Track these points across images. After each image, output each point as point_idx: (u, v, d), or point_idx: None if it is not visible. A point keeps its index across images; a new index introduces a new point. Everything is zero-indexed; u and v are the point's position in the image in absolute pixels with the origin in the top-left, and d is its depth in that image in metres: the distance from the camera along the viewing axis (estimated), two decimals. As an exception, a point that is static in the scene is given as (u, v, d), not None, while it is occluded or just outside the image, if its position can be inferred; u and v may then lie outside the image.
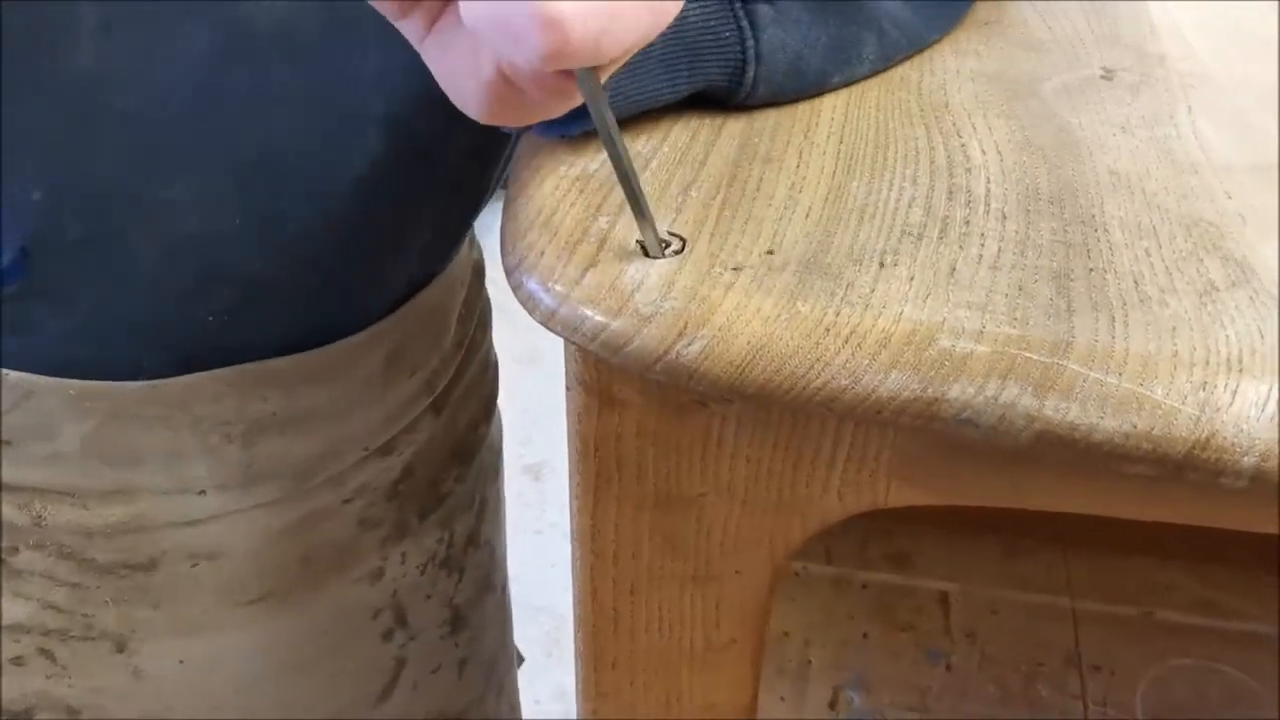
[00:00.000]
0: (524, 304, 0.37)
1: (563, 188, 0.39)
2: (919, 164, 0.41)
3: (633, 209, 0.35)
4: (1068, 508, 0.36)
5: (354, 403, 0.52)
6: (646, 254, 0.36)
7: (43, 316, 0.44)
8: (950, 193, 0.39)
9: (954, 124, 0.44)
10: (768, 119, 0.44)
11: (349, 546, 0.56)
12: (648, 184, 0.39)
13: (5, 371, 0.45)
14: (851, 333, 0.33)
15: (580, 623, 0.45)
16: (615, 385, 0.38)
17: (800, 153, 0.42)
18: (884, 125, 0.43)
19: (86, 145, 0.41)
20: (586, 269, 0.36)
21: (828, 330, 0.33)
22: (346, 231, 0.47)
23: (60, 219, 0.42)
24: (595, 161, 0.41)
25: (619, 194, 0.39)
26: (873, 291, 0.34)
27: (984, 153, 0.42)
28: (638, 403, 0.39)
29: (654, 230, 0.35)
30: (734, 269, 0.35)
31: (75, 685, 0.52)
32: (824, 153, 0.42)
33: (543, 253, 0.37)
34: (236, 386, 0.48)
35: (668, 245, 0.36)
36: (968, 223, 0.38)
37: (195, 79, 0.41)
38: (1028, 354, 0.32)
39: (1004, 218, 0.38)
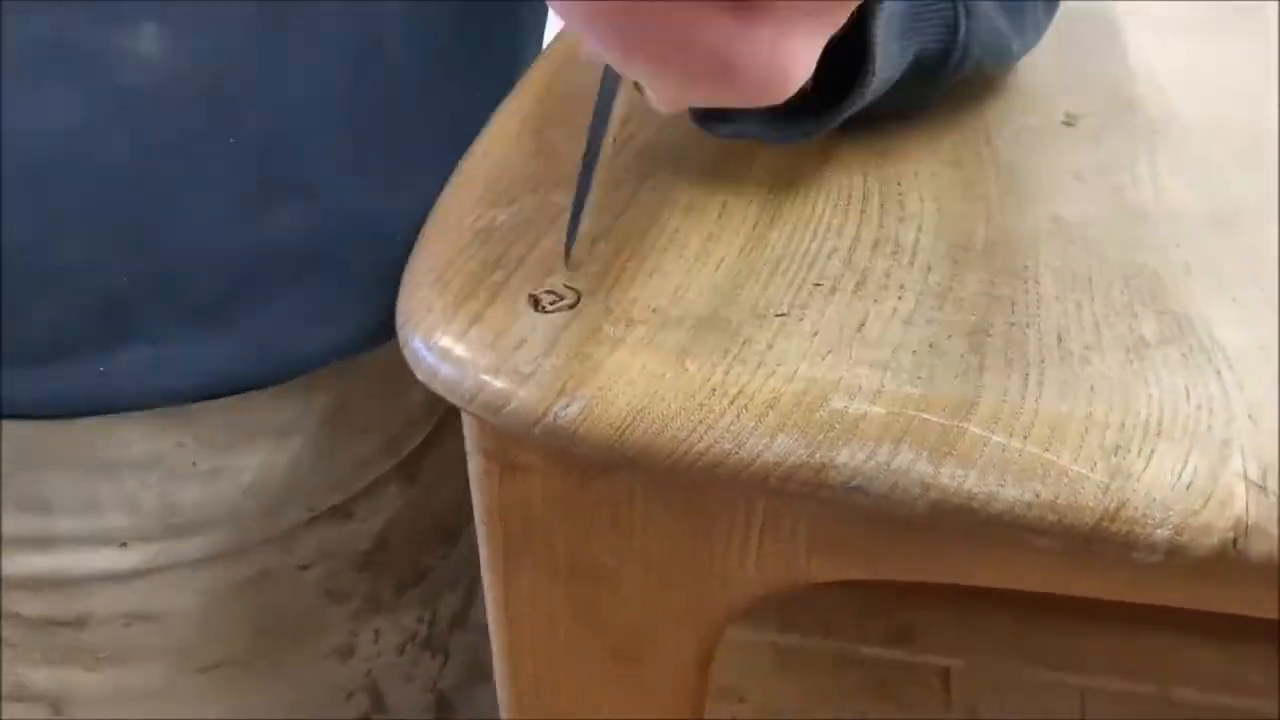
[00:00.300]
0: (410, 364, 0.35)
1: (463, 240, 0.38)
2: (848, 214, 0.38)
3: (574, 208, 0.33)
4: (984, 581, 0.33)
5: (287, 458, 0.50)
6: (539, 308, 0.34)
7: None
8: (876, 244, 0.37)
9: (895, 172, 0.41)
10: (699, 169, 0.41)
11: (312, 617, 0.54)
12: (555, 238, 0.37)
13: None
14: (739, 393, 0.30)
15: (503, 706, 0.42)
16: (515, 451, 0.36)
17: (724, 203, 0.39)
18: (818, 174, 0.41)
19: None
20: (471, 324, 0.34)
21: (714, 390, 0.30)
22: (257, 292, 0.46)
23: None
24: (505, 213, 0.39)
25: (519, 248, 0.37)
26: (769, 348, 0.32)
27: (922, 200, 0.39)
28: (541, 468, 0.36)
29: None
30: (626, 324, 0.33)
31: None
32: (749, 202, 0.39)
33: (430, 309, 0.35)
34: (145, 431, 0.46)
35: (560, 299, 0.34)
36: (888, 275, 0.35)
37: (73, 144, 0.41)
38: (925, 415, 0.29)
39: (928, 269, 0.35)
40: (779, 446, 0.29)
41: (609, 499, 0.36)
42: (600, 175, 0.41)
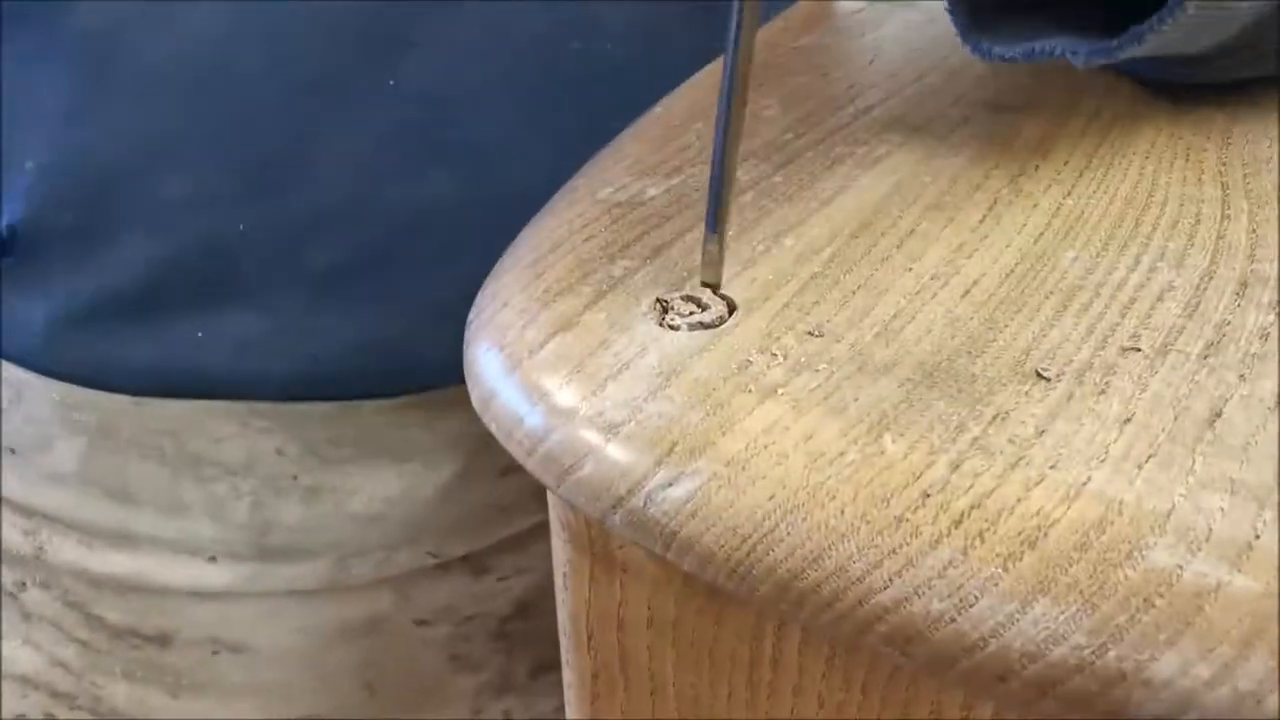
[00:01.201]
0: (466, 379, 0.22)
1: (591, 214, 0.25)
2: (1196, 237, 0.24)
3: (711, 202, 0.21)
4: None
5: (406, 488, 0.43)
6: (665, 320, 0.21)
7: (30, 304, 0.40)
8: (1243, 285, 0.22)
9: (1275, 189, 0.26)
10: (963, 151, 0.28)
11: (430, 684, 0.47)
12: (731, 219, 0.24)
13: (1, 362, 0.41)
14: (974, 509, 0.16)
15: None
16: (614, 539, 0.23)
17: (992, 203, 0.25)
18: (1151, 177, 0.27)
19: (87, 114, 0.37)
20: (557, 332, 0.21)
21: (926, 496, 0.17)
22: (383, 264, 0.38)
23: (52, 202, 0.38)
24: (660, 185, 0.26)
25: (664, 233, 0.24)
26: (1040, 434, 0.18)
27: (1323, 231, 0.24)
28: (649, 574, 0.23)
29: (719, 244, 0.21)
30: (794, 363, 0.20)
31: None
32: (1033, 205, 0.25)
33: (507, 302, 0.23)
34: (241, 427, 0.40)
35: (700, 309, 0.21)
36: (1265, 336, 0.20)
37: (200, 56, 0.36)
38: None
39: (1342, 336, 0.20)
40: (1038, 623, 0.15)
41: (747, 640, 0.23)
42: (804, 149, 0.28)
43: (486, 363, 0.22)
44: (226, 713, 0.45)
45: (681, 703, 0.25)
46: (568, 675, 0.27)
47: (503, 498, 0.44)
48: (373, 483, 0.42)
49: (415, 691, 0.46)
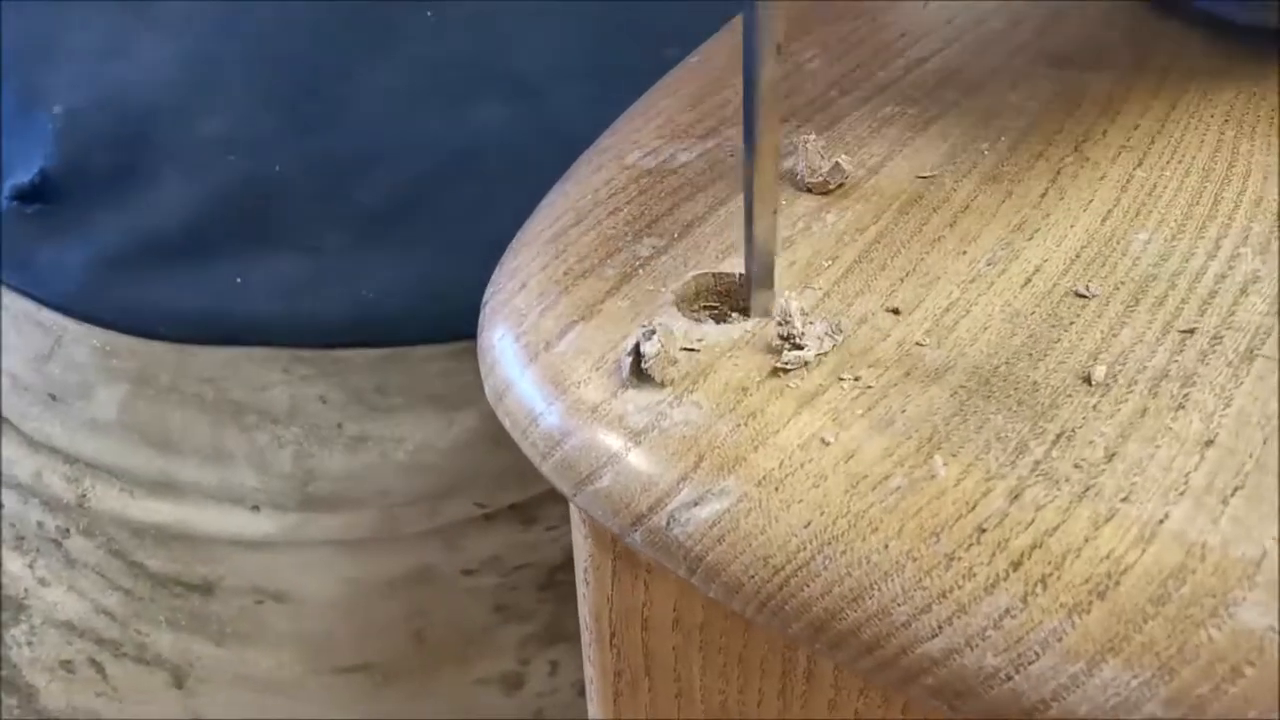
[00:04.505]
0: (480, 365, 0.21)
1: (618, 183, 0.23)
2: (1283, 217, 0.22)
3: (749, 231, 0.19)
4: None
5: (454, 437, 0.42)
6: (692, 309, 0.19)
7: (68, 250, 0.40)
8: (1338, 277, 0.20)
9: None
10: (1020, 115, 0.25)
11: (477, 634, 0.46)
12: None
13: (38, 307, 0.40)
14: (1035, 547, 0.15)
15: None
16: (637, 533, 0.22)
17: (1055, 175, 0.23)
18: (1231, 144, 0.24)
19: (123, 51, 0.37)
20: (577, 321, 0.19)
21: (981, 532, 0.15)
22: (430, 201, 0.37)
23: (86, 144, 0.37)
24: (693, 150, 0.24)
25: (697, 205, 0.22)
26: (1110, 458, 0.16)
27: None
28: (675, 575, 0.22)
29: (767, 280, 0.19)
30: (839, 363, 0.18)
31: (126, 712, 0.47)
32: (1100, 177, 0.23)
33: (524, 284, 0.21)
34: (283, 374, 0.39)
35: (734, 298, 0.19)
36: (1366, 340, 0.18)
37: None
38: None
39: None
40: (1107, 688, 0.14)
41: (781, 651, 0.21)
42: (849, 108, 0.26)
43: (502, 350, 0.20)
44: (273, 661, 0.45)
45: (709, 707, 0.24)
46: (589, 671, 0.26)
47: None
48: (421, 431, 0.41)
49: (460, 641, 0.45)
